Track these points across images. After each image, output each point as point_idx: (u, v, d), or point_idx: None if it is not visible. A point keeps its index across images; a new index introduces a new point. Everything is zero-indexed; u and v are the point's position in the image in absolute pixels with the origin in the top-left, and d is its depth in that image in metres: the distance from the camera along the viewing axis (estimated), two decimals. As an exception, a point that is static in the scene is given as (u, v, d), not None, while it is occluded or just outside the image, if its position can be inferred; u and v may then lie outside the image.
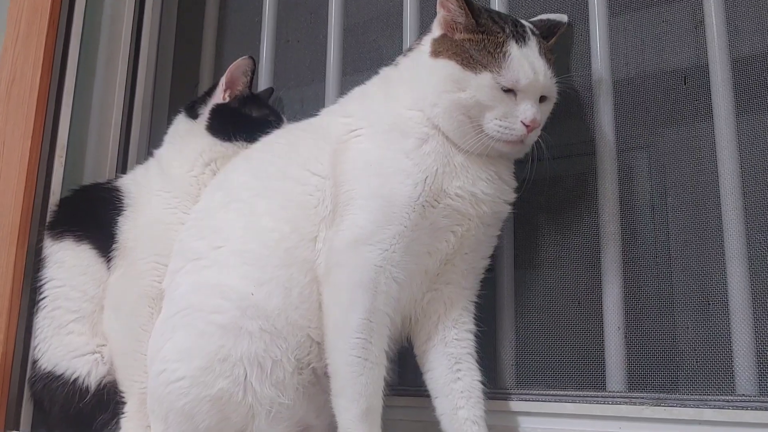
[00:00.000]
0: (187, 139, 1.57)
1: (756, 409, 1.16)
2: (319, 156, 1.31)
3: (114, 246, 1.48)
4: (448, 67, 1.23)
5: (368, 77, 1.41)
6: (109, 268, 1.48)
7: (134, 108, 1.89)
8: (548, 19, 1.38)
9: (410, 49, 1.37)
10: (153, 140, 1.85)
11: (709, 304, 1.28)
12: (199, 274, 1.29)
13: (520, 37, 1.23)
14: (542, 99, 1.25)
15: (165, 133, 1.65)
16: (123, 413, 1.39)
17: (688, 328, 1.30)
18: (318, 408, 1.26)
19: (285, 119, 1.60)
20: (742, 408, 1.17)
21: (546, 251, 1.45)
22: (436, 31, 1.29)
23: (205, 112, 1.58)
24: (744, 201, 1.26)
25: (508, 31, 1.23)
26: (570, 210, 1.43)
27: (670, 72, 1.37)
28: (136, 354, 1.38)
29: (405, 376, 1.44)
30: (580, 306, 1.39)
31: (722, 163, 1.29)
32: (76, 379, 1.41)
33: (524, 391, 1.37)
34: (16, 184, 1.59)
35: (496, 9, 1.48)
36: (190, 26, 2.03)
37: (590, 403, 1.29)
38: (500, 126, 1.20)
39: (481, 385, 1.27)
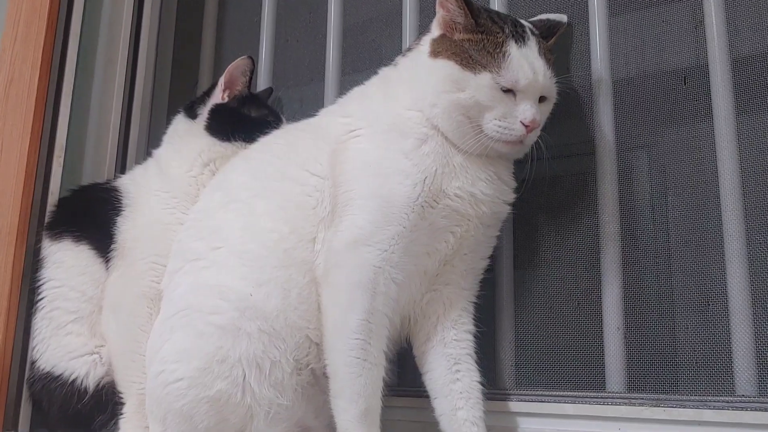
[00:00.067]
0: (186, 139, 1.57)
1: (756, 409, 1.16)
2: (318, 156, 1.31)
3: (113, 246, 1.48)
4: (447, 67, 1.22)
5: (367, 77, 1.41)
6: (107, 269, 1.48)
7: (133, 108, 1.89)
8: (548, 19, 1.38)
9: (409, 50, 1.37)
10: (152, 140, 1.84)
11: (709, 304, 1.27)
12: (198, 274, 1.29)
13: (520, 37, 1.22)
14: (542, 99, 1.24)
15: (164, 133, 1.65)
16: (121, 414, 1.39)
17: (687, 328, 1.29)
18: (317, 409, 1.26)
19: (284, 119, 1.59)
20: (742, 409, 1.16)
21: (545, 252, 1.44)
22: (435, 31, 1.29)
23: (204, 112, 1.58)
24: (744, 201, 1.26)
25: (507, 31, 1.22)
26: (569, 210, 1.42)
27: (669, 72, 1.37)
28: (135, 355, 1.38)
29: (404, 376, 1.44)
30: (580, 306, 1.39)
31: (722, 163, 1.28)
32: (74, 380, 1.41)
33: (523, 392, 1.37)
34: (15, 184, 1.59)
35: (496, 9, 1.47)
36: (189, 26, 2.03)
37: (590, 403, 1.29)
38: (499, 126, 1.20)
39: (481, 386, 1.27)
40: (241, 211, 1.32)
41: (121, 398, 1.40)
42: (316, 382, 1.25)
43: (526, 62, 1.20)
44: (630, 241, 1.36)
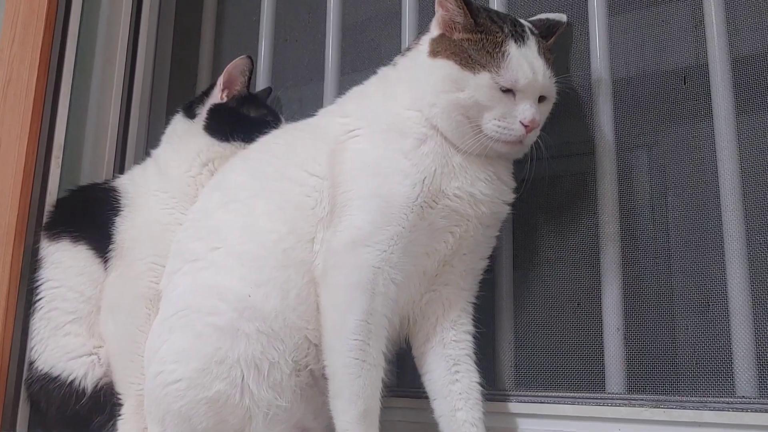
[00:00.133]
0: (185, 139, 1.57)
1: (756, 411, 1.15)
2: (317, 156, 1.31)
3: (111, 247, 1.47)
4: (446, 67, 1.22)
5: (367, 77, 1.41)
6: (106, 269, 1.47)
7: (131, 108, 1.88)
8: (547, 19, 1.38)
9: (408, 49, 1.36)
10: (150, 140, 1.84)
11: (709, 305, 1.27)
12: (197, 275, 1.29)
13: (519, 36, 1.22)
14: (541, 99, 1.24)
15: (162, 133, 1.65)
16: (120, 415, 1.39)
17: (687, 329, 1.29)
18: (315, 410, 1.25)
19: (283, 119, 1.59)
20: (742, 410, 1.16)
21: (545, 252, 1.44)
22: (434, 30, 1.28)
23: (203, 112, 1.57)
24: (744, 201, 1.26)
25: (506, 30, 1.22)
26: (569, 210, 1.42)
27: (669, 71, 1.37)
28: (133, 355, 1.37)
29: (403, 377, 1.43)
30: (580, 307, 1.38)
31: (722, 163, 1.28)
32: (72, 381, 1.41)
33: (523, 393, 1.37)
34: (13, 184, 1.58)
35: (495, 8, 1.47)
36: (188, 25, 2.02)
37: (589, 404, 1.29)
38: (499, 126, 1.19)
39: (480, 387, 1.26)
40: (239, 212, 1.31)
41: (120, 399, 1.40)
42: (314, 383, 1.24)
43: (525, 62, 1.19)
44: (630, 241, 1.35)
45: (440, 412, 1.26)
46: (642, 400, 1.25)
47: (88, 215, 1.53)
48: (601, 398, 1.29)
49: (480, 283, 1.34)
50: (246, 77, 1.59)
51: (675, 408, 1.21)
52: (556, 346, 1.40)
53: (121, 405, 1.40)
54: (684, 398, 1.22)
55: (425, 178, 1.21)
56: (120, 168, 1.82)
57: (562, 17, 1.39)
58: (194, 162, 1.53)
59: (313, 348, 1.23)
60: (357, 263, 1.18)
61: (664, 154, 1.37)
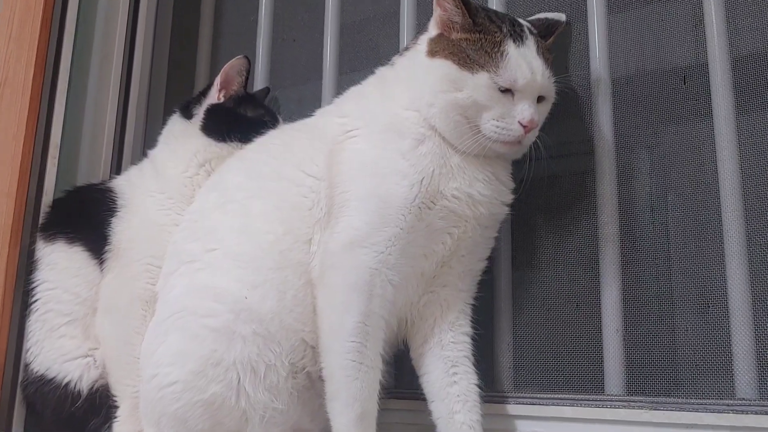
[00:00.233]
0: (182, 139, 1.56)
1: (756, 413, 1.15)
2: (314, 157, 1.30)
3: (107, 248, 1.46)
4: (444, 66, 1.21)
5: (365, 77, 1.40)
6: (102, 271, 1.47)
7: (129, 108, 1.87)
8: (546, 18, 1.37)
9: (407, 49, 1.36)
10: (148, 141, 1.83)
11: (709, 306, 1.27)
12: (193, 276, 1.28)
13: (518, 36, 1.21)
14: (540, 99, 1.23)
15: (160, 133, 1.64)
16: (115, 417, 1.39)
17: (687, 330, 1.28)
18: (312, 412, 1.25)
19: (281, 119, 1.59)
20: (743, 412, 1.15)
21: (544, 253, 1.43)
22: (432, 30, 1.28)
23: (200, 112, 1.57)
24: (744, 201, 1.25)
25: (505, 30, 1.21)
26: (568, 211, 1.42)
27: (669, 70, 1.36)
28: (129, 357, 1.37)
29: (401, 378, 1.42)
30: (579, 308, 1.38)
31: (722, 162, 1.27)
32: (67, 383, 1.40)
33: (522, 395, 1.36)
34: (8, 185, 1.57)
35: (494, 8, 1.46)
36: (185, 25, 2.01)
37: (588, 406, 1.28)
38: (497, 126, 1.19)
39: (478, 389, 1.26)
40: (236, 213, 1.31)
41: (115, 401, 1.39)
42: (311, 386, 1.24)
43: (524, 62, 1.19)
44: (629, 242, 1.35)
45: (438, 414, 1.25)
46: (641, 401, 1.24)
47: (84, 216, 1.53)
48: (600, 400, 1.28)
49: (478, 284, 1.33)
50: (243, 77, 1.58)
51: (674, 410, 1.21)
52: (554, 347, 1.39)
53: (116, 407, 1.39)
54: (683, 400, 1.22)
55: (423, 178, 1.20)
56: (117, 168, 1.81)
57: (561, 16, 1.39)
58: (191, 162, 1.53)
59: (309, 350, 1.23)
60: (354, 264, 1.17)
61: (663, 154, 1.36)
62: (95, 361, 1.42)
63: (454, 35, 1.23)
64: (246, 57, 1.59)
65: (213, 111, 1.56)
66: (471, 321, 1.31)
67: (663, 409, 1.21)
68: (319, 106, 1.50)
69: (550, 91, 1.25)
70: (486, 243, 1.31)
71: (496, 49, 1.19)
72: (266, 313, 1.20)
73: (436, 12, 1.26)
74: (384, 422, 1.21)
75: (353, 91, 1.39)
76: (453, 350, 1.27)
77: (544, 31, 1.32)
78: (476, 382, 1.26)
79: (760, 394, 1.19)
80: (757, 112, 1.27)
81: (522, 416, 1.34)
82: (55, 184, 1.65)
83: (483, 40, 1.20)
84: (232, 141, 1.51)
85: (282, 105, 1.80)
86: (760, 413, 1.15)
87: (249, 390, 1.17)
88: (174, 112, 1.63)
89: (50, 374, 1.42)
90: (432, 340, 1.28)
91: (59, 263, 1.48)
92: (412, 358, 1.31)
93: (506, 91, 1.19)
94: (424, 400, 1.28)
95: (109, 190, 1.54)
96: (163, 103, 1.96)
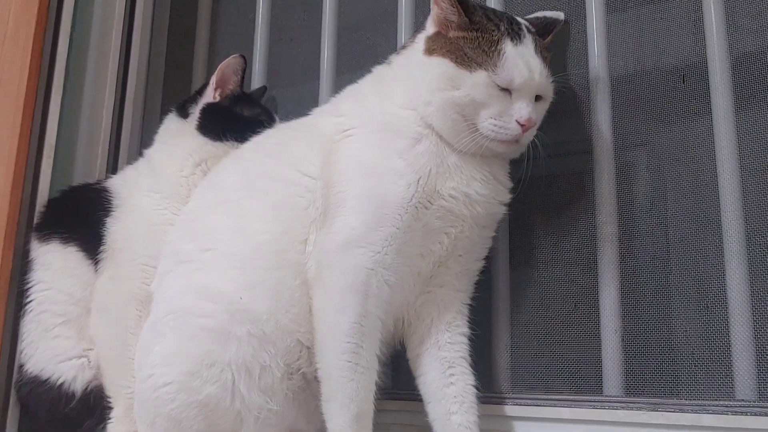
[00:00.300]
0: (178, 138, 1.56)
1: (756, 414, 1.14)
2: (311, 156, 1.29)
3: (102, 248, 1.46)
4: (442, 65, 1.21)
5: (363, 76, 1.40)
6: (96, 271, 1.46)
7: (125, 107, 1.87)
8: (544, 17, 1.37)
9: (404, 47, 1.35)
10: (145, 140, 1.82)
11: (708, 306, 1.26)
12: (188, 276, 1.27)
13: (516, 35, 1.21)
14: (538, 98, 1.23)
15: (156, 132, 1.63)
16: (110, 419, 1.38)
17: (686, 331, 1.28)
18: (308, 413, 1.24)
19: (277, 118, 1.58)
20: (742, 413, 1.14)
21: (542, 252, 1.42)
22: (430, 28, 1.27)
23: (196, 111, 1.56)
24: (744, 200, 1.24)
25: (503, 28, 1.21)
26: (566, 210, 1.41)
27: (668, 69, 1.36)
28: (124, 358, 1.36)
29: (398, 379, 1.42)
30: (577, 308, 1.37)
31: (721, 161, 1.26)
32: (61, 384, 1.39)
33: (519, 396, 1.35)
34: (3, 184, 1.56)
35: (492, 6, 1.46)
36: (182, 24, 2.01)
37: (586, 407, 1.27)
38: (495, 125, 1.18)
39: (475, 390, 1.25)
40: (232, 212, 1.30)
41: (110, 402, 1.39)
42: (307, 387, 1.23)
43: (521, 61, 1.18)
44: (628, 241, 1.34)
45: (435, 416, 1.25)
46: (640, 403, 1.23)
47: (79, 216, 1.52)
48: (598, 401, 1.27)
49: (476, 284, 1.33)
50: (239, 76, 1.58)
51: (673, 411, 1.20)
52: (552, 348, 1.38)
53: (111, 408, 1.38)
54: (682, 401, 1.21)
55: (420, 178, 1.19)
56: (113, 168, 1.81)
57: (560, 15, 1.38)
58: (187, 162, 1.52)
59: (305, 351, 1.22)
60: (350, 264, 1.17)
61: (662, 153, 1.36)
62: (89, 361, 1.41)
63: (452, 33, 1.23)
64: (242, 56, 1.58)
65: (209, 110, 1.55)
66: (468, 321, 1.30)
67: (662, 411, 1.21)
68: (317, 106, 1.48)
69: (548, 90, 1.24)
70: (483, 243, 1.30)
71: (493, 48, 1.18)
72: (261, 314, 1.19)
73: (434, 10, 1.26)
74: (380, 423, 1.20)
75: (350, 90, 1.38)
76: (450, 351, 1.27)
77: (543, 30, 1.32)
78: (473, 382, 1.26)
79: (759, 395, 1.18)
80: (757, 110, 1.26)
81: (519, 417, 1.33)
82: (51, 184, 1.65)
83: (480, 39, 1.20)
84: (228, 140, 1.51)
85: (279, 104, 1.79)
86: (760, 414, 1.14)
87: (244, 391, 1.17)
88: (170, 111, 1.62)
89: (44, 375, 1.41)
90: (429, 341, 1.28)
91: (54, 263, 1.48)
92: (409, 359, 1.31)
93: (504, 89, 1.18)
94: (421, 401, 1.27)
95: (105, 190, 1.54)
96: (160, 103, 1.95)
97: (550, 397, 1.32)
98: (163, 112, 1.68)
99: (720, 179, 1.26)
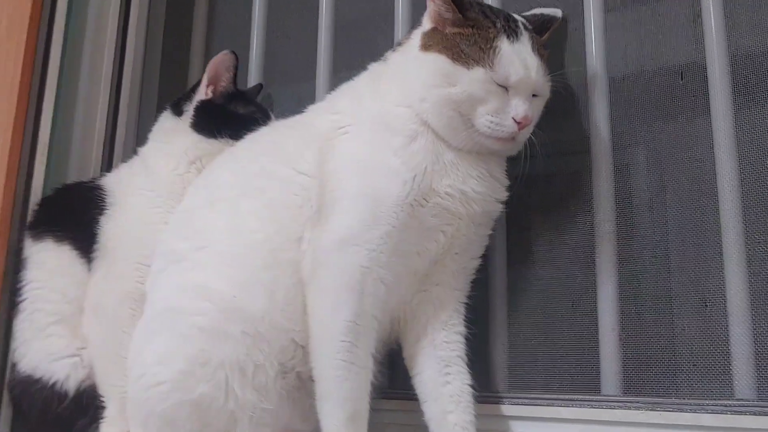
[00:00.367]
0: (172, 136, 1.55)
1: (755, 414, 1.13)
2: (306, 154, 1.28)
3: (95, 247, 1.45)
4: (438, 61, 1.20)
5: (359, 73, 1.39)
6: (90, 270, 1.45)
7: (120, 105, 1.86)
8: (542, 14, 1.36)
9: (399, 44, 1.35)
10: (140, 138, 1.80)
11: (707, 305, 1.25)
12: (182, 275, 1.27)
13: (512, 32, 1.20)
14: (534, 95, 1.22)
15: (150, 130, 1.63)
16: (103, 418, 1.37)
17: (685, 329, 1.27)
18: (303, 413, 1.23)
19: (273, 116, 1.57)
20: (741, 413, 1.14)
21: (539, 251, 1.42)
22: (426, 24, 1.27)
23: (190, 109, 1.55)
24: (743, 199, 1.24)
25: (499, 25, 1.20)
26: (564, 208, 1.40)
27: (666, 67, 1.35)
28: (117, 357, 1.35)
29: (394, 378, 1.41)
30: (575, 307, 1.36)
31: (720, 160, 1.26)
32: (54, 384, 1.38)
33: (517, 395, 1.35)
34: (-4, 183, 1.56)
35: (489, 3, 1.45)
36: (179, 20, 2.00)
37: (584, 407, 1.27)
38: (491, 122, 1.18)
39: (471, 389, 1.24)
40: (226, 211, 1.29)
41: (103, 402, 1.38)
42: (302, 386, 1.22)
43: (517, 58, 1.18)
44: (626, 240, 1.34)
45: (431, 415, 1.24)
46: (638, 402, 1.23)
47: (73, 214, 1.51)
48: (596, 400, 1.27)
49: (472, 282, 1.32)
50: (231, 73, 1.57)
51: (672, 411, 1.19)
52: (550, 347, 1.37)
53: (104, 408, 1.37)
54: (681, 401, 1.20)
55: (416, 175, 1.19)
56: (108, 166, 1.80)
57: (558, 12, 1.37)
58: (181, 160, 1.51)
59: (300, 350, 1.21)
60: (345, 263, 1.16)
61: (661, 151, 1.35)
62: (82, 360, 1.41)
63: (448, 29, 1.22)
64: (233, 52, 1.57)
65: (203, 108, 1.54)
66: (465, 320, 1.29)
67: (660, 410, 1.20)
68: (314, 104, 1.48)
69: (545, 88, 1.24)
70: (480, 241, 1.29)
71: (489, 45, 1.18)
72: (256, 313, 1.18)
73: (430, 6, 1.25)
74: (376, 423, 1.19)
75: (346, 88, 1.38)
76: (446, 350, 1.26)
77: (540, 27, 1.31)
78: (469, 382, 1.25)
79: (758, 394, 1.17)
80: (756, 108, 1.26)
81: (516, 417, 1.32)
82: (45, 183, 1.64)
83: (476, 35, 1.19)
84: (222, 138, 1.50)
85: (276, 102, 1.78)
86: (759, 414, 1.13)
87: (237, 390, 1.15)
88: (164, 108, 1.62)
89: (37, 374, 1.40)
90: (425, 340, 1.27)
91: (47, 262, 1.47)
92: (405, 358, 1.30)
93: (501, 86, 1.17)
94: (417, 400, 1.26)
95: (99, 188, 1.53)
96: (156, 100, 1.94)
97: (547, 396, 1.31)
98: (159, 110, 1.67)
99: (719, 178, 1.26)
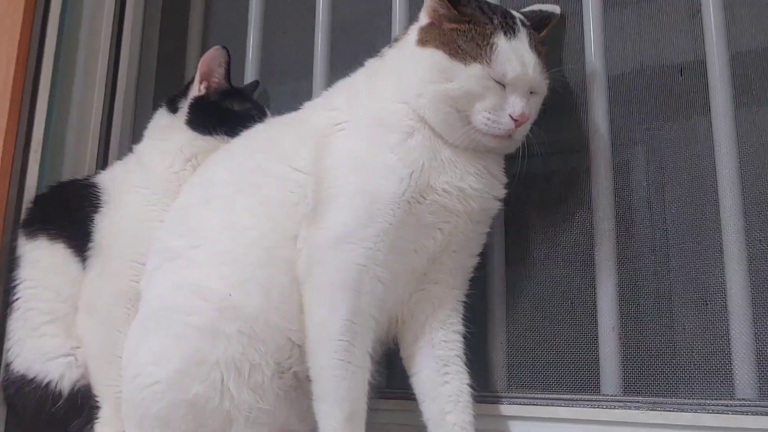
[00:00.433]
0: (167, 133, 1.54)
1: (756, 414, 1.13)
2: (302, 151, 1.28)
3: (90, 245, 1.44)
4: (435, 56, 1.19)
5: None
6: (84, 268, 1.44)
7: (116, 101, 1.85)
8: (540, 10, 1.35)
9: (396, 40, 1.34)
10: (136, 136, 1.79)
11: (707, 303, 1.24)
12: (177, 273, 1.26)
13: (510, 28, 1.20)
14: (532, 92, 1.21)
15: (146, 127, 1.62)
16: (97, 418, 1.36)
17: (685, 328, 1.26)
18: (300, 413, 1.22)
19: (269, 113, 1.56)
20: (742, 413, 1.14)
21: (538, 249, 1.41)
22: (423, 19, 1.26)
23: (185, 106, 1.54)
24: (743, 197, 1.23)
25: (496, 22, 1.20)
26: (563, 206, 1.40)
27: (666, 65, 1.35)
28: (112, 357, 1.34)
29: (392, 378, 1.40)
30: (574, 306, 1.36)
31: (720, 158, 1.26)
32: (48, 383, 1.37)
33: (515, 395, 1.34)
34: (-11, 181, 1.55)
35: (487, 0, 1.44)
36: (175, 16, 1.99)
37: (584, 407, 1.26)
38: (488, 119, 1.17)
39: (470, 389, 1.24)
40: (221, 208, 1.28)
41: (98, 402, 1.37)
42: (299, 386, 1.21)
43: (514, 55, 1.17)
44: (625, 238, 1.33)
45: (429, 415, 1.23)
46: (638, 402, 1.22)
47: (67, 212, 1.50)
48: (596, 400, 1.26)
49: (471, 281, 1.31)
50: (224, 68, 1.56)
51: (672, 410, 1.19)
52: (549, 346, 1.37)
53: (98, 408, 1.37)
54: (682, 400, 1.20)
55: (413, 172, 1.18)
56: (103, 165, 1.79)
57: (556, 9, 1.37)
58: (177, 157, 1.50)
59: (296, 349, 1.20)
60: (342, 261, 1.15)
61: (660, 150, 1.35)
62: (77, 360, 1.40)
63: (445, 25, 1.21)
64: (224, 47, 1.56)
65: (198, 105, 1.53)
66: (463, 319, 1.29)
67: (660, 410, 1.20)
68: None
69: (542, 86, 1.23)
70: (478, 239, 1.29)
71: (486, 42, 1.17)
72: (251, 312, 1.17)
73: (426, 1, 1.24)
74: (374, 423, 1.19)
75: (342, 84, 1.37)
76: (444, 349, 1.25)
77: (538, 24, 1.30)
78: (468, 381, 1.24)
79: (759, 394, 1.17)
80: (756, 106, 1.25)
81: (516, 417, 1.32)
82: (39, 180, 1.63)
83: (473, 31, 1.19)
84: (217, 134, 1.49)
85: (273, 99, 1.77)
86: (760, 414, 1.13)
87: (233, 390, 1.14)
88: (160, 106, 1.61)
89: (31, 374, 1.39)
90: (423, 339, 1.26)
91: (41, 260, 1.46)
92: (403, 358, 1.29)
93: (498, 83, 1.17)
94: (416, 400, 1.26)
95: (93, 186, 1.52)
96: (152, 98, 1.93)
97: (546, 396, 1.31)
98: (155, 107, 1.66)
99: (719, 175, 1.25)
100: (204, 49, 1.90)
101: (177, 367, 1.15)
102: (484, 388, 1.32)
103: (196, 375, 1.14)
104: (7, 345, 1.46)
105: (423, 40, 1.22)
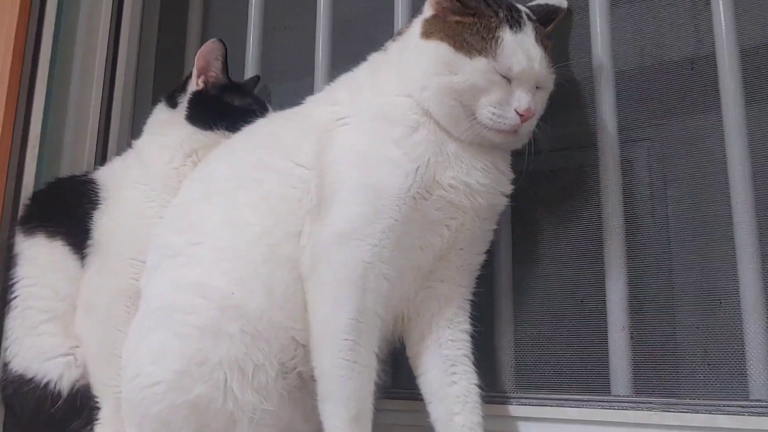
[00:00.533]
0: (167, 129, 1.53)
1: (772, 414, 1.12)
2: (304, 146, 1.26)
3: (89, 242, 1.43)
4: (439, 48, 1.18)
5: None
6: (83, 266, 1.43)
7: (114, 97, 1.84)
8: (547, 4, 1.34)
9: (400, 33, 1.33)
10: (135, 131, 1.79)
11: (721, 301, 1.23)
12: (177, 271, 1.24)
13: (515, 22, 1.18)
14: (538, 87, 1.20)
15: (145, 123, 1.60)
16: (97, 419, 1.35)
17: (697, 328, 1.25)
18: (305, 413, 1.21)
19: (270, 108, 1.55)
20: (759, 414, 1.12)
21: (546, 246, 1.40)
22: (427, 11, 1.25)
23: (184, 100, 1.53)
24: (755, 193, 1.22)
25: (502, 15, 1.18)
26: (571, 203, 1.38)
27: (675, 60, 1.33)
28: (111, 356, 1.32)
29: (399, 378, 1.39)
30: (583, 304, 1.34)
31: (731, 153, 1.24)
32: (47, 384, 1.36)
33: (524, 395, 1.33)
34: (-14, 178, 1.54)
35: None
36: (174, 10, 1.98)
37: (594, 408, 1.25)
38: (494, 114, 1.16)
39: (479, 389, 1.22)
40: (222, 204, 1.27)
41: (97, 402, 1.36)
42: (303, 386, 1.20)
43: (520, 49, 1.16)
44: (635, 235, 1.32)
45: (437, 416, 1.22)
46: (650, 403, 1.21)
47: (65, 209, 1.49)
48: (606, 401, 1.25)
49: (478, 279, 1.30)
50: (221, 62, 1.54)
51: (685, 412, 1.17)
52: (558, 345, 1.36)
53: (98, 408, 1.35)
54: (695, 401, 1.18)
55: (418, 167, 1.17)
56: (102, 160, 1.78)
57: (563, 3, 1.36)
58: (177, 153, 1.49)
59: (301, 349, 1.18)
60: (346, 257, 1.14)
61: (669, 145, 1.33)
62: (76, 359, 1.38)
63: (450, 17, 1.20)
64: (220, 40, 1.55)
65: (198, 99, 1.52)
66: (470, 318, 1.27)
67: (673, 411, 1.18)
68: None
69: (548, 80, 1.22)
70: (485, 236, 1.27)
71: (491, 35, 1.16)
72: (254, 310, 1.16)
73: None
74: (380, 423, 1.18)
75: (345, 78, 1.36)
76: (452, 348, 1.24)
77: (545, 18, 1.29)
78: (476, 381, 1.23)
79: (774, 394, 1.16)
80: (767, 102, 1.24)
81: (524, 418, 1.30)
82: (37, 176, 1.62)
83: (478, 24, 1.18)
84: (218, 129, 1.48)
85: (275, 95, 1.76)
86: (776, 415, 1.12)
87: (236, 391, 1.13)
88: (159, 101, 1.59)
89: (29, 374, 1.38)
90: (429, 338, 1.25)
91: (39, 258, 1.45)
92: (409, 357, 1.28)
93: (503, 77, 1.16)
94: (422, 400, 1.25)
95: (92, 182, 1.50)
96: (151, 93, 1.92)
97: (556, 396, 1.29)
98: (154, 102, 1.65)
99: (730, 171, 1.24)
100: (203, 42, 1.88)
101: (178, 368, 1.14)
102: (491, 389, 1.30)
103: (198, 375, 1.13)
104: (4, 344, 1.44)
105: (427, 33, 1.20)
